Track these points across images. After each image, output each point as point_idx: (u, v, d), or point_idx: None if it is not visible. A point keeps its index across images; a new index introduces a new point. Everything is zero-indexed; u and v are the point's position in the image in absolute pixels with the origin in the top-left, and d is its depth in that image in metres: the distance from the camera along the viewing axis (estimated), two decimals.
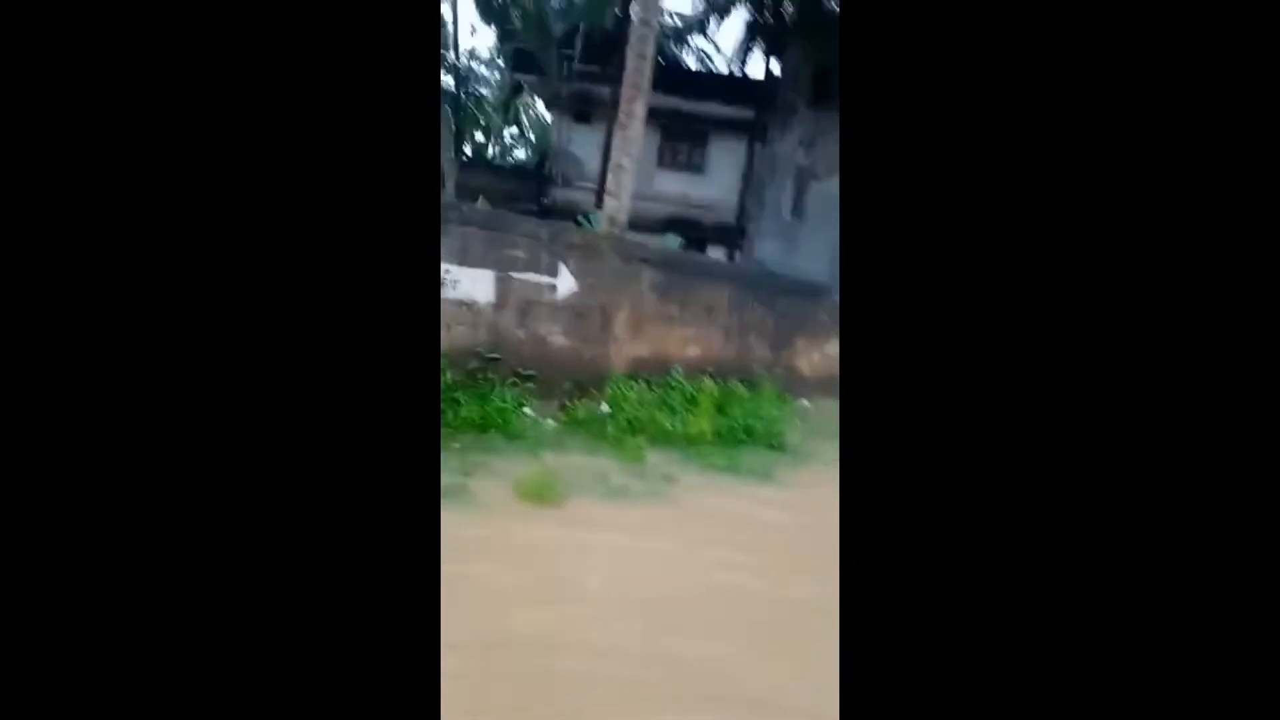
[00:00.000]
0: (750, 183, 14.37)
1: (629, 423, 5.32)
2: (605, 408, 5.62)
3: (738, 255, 14.52)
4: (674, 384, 6.24)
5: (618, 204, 7.36)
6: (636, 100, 7.35)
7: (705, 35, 16.93)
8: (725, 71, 17.12)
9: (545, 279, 5.72)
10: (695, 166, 15.16)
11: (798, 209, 14.41)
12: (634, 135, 7.48)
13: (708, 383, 6.28)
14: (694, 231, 14.36)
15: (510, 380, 5.35)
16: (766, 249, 14.33)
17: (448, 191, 12.68)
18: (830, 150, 14.02)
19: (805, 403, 7.73)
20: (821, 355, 8.73)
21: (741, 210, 13.68)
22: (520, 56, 15.03)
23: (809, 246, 14.27)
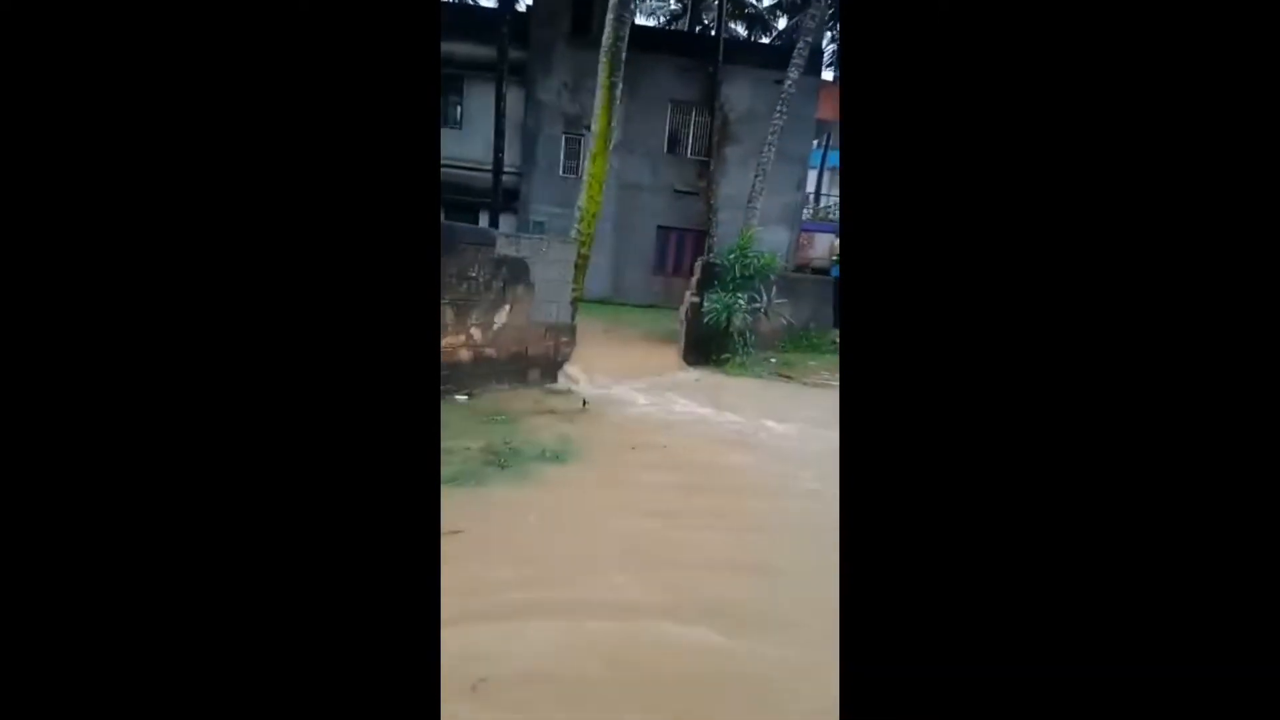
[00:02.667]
0: (512, 136, 12.41)
1: None
2: None
3: (511, 222, 12.65)
4: None
5: None
6: None
7: None
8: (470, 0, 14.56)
9: None
10: (450, 120, 12.83)
11: (571, 163, 12.86)
12: None
13: None
14: (464, 196, 12.20)
15: None
16: (543, 212, 12.69)
17: None
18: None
19: (460, 398, 5.48)
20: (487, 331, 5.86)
21: (498, 169, 11.76)
22: None
23: None
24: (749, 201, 10.71)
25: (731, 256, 8.11)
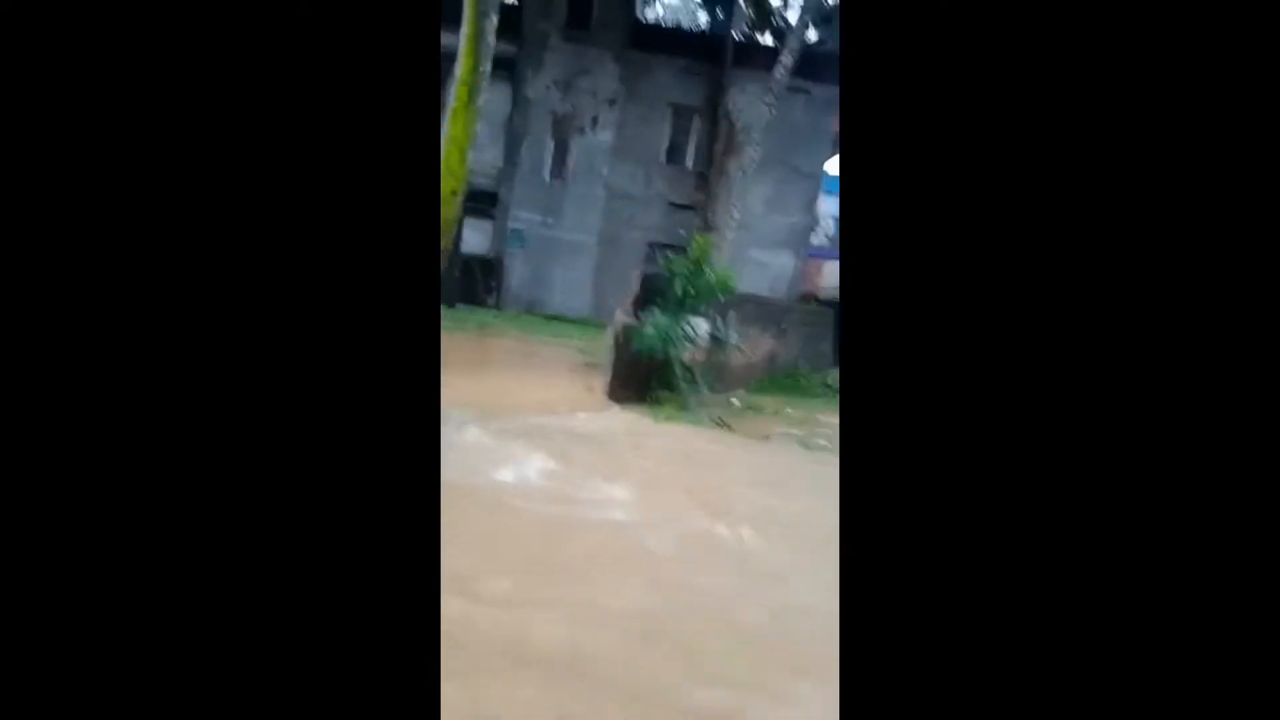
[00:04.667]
0: (495, 135, 11.46)
1: None
2: None
3: (487, 229, 11.66)
4: None
5: None
6: None
7: None
8: None
9: None
10: None
11: (558, 168, 11.84)
12: None
13: None
14: None
15: None
16: (523, 219, 11.67)
17: None
18: (590, 93, 11.57)
19: None
20: None
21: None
22: None
23: (574, 215, 11.87)
24: (717, 208, 9.35)
25: (675, 269, 6.55)
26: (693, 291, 6.40)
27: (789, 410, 7.30)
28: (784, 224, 12.17)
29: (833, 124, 12.23)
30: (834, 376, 10.21)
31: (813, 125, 12.08)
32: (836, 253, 15.03)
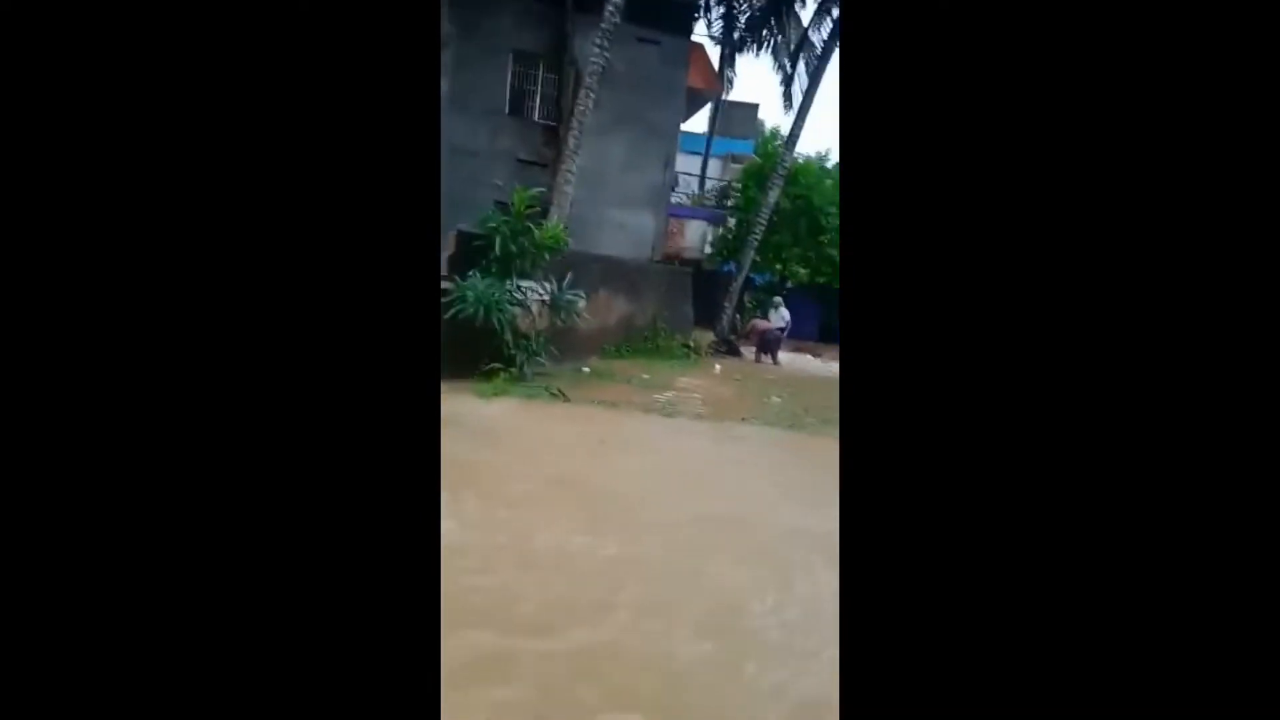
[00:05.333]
0: None
1: None
2: None
3: None
4: None
5: None
6: None
7: None
8: None
9: None
10: None
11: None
12: None
13: None
14: None
15: None
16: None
17: None
18: None
19: None
20: None
21: None
22: None
23: None
24: (558, 163, 8.63)
25: (493, 225, 5.69)
26: (515, 250, 5.68)
27: (644, 375, 6.90)
28: (641, 182, 11.68)
29: (685, 77, 11.82)
30: (694, 337, 10.03)
31: (666, 79, 11.61)
32: (699, 212, 14.86)
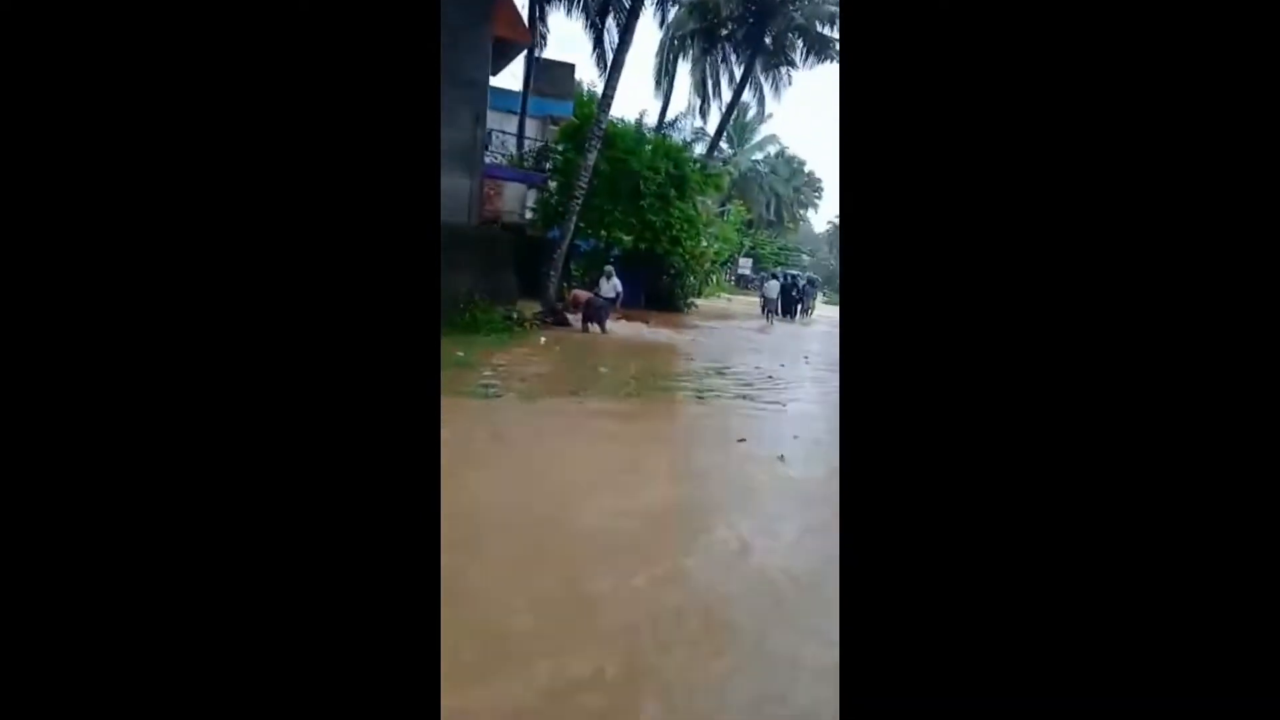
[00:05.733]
0: None
1: None
2: None
3: None
4: None
5: None
6: None
7: None
8: None
9: None
10: None
11: None
12: None
13: None
14: None
15: None
16: None
17: None
18: None
19: None
20: None
21: None
22: None
23: None
24: None
25: None
26: None
27: (459, 353, 6.29)
28: (450, 139, 10.68)
29: (491, 26, 10.92)
30: (518, 309, 9.50)
31: (470, 31, 10.63)
32: (518, 174, 14.11)
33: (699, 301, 15.51)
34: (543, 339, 8.03)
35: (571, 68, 19.71)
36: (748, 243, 29.70)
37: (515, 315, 8.98)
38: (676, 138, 18.35)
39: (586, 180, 10.84)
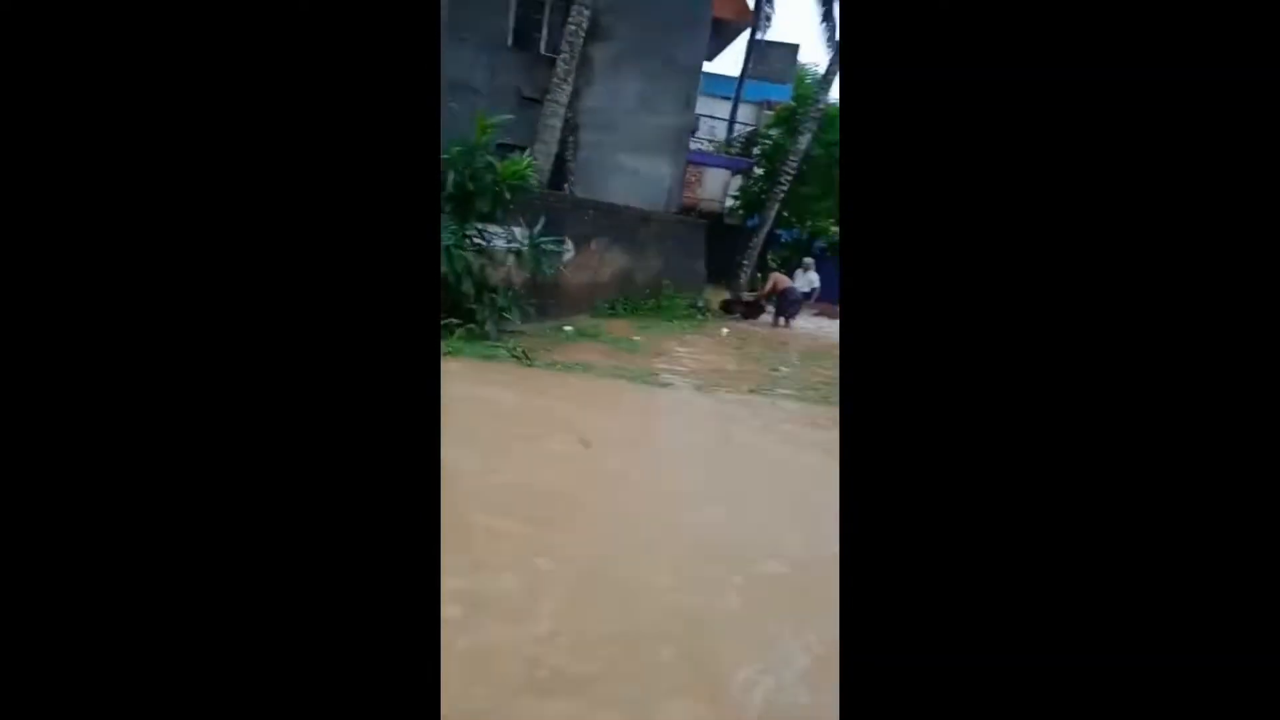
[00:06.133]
0: None
1: None
2: None
3: None
4: None
5: None
6: None
7: None
8: None
9: None
10: None
11: None
12: None
13: None
14: None
15: None
16: None
17: None
18: None
19: None
20: None
21: None
22: None
23: None
24: (547, 95, 7.69)
25: (446, 157, 4.79)
26: (472, 188, 4.84)
27: (635, 338, 6.11)
28: (657, 125, 10.64)
29: (710, 6, 10.60)
30: (706, 296, 9.14)
31: (689, 8, 10.43)
32: (721, 159, 13.71)
33: None
34: (724, 330, 7.57)
35: (795, 49, 18.69)
36: None
37: (701, 303, 8.65)
38: None
39: (795, 166, 10.06)
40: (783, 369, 5.82)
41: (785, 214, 11.05)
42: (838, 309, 10.89)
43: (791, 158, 10.00)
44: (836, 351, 7.65)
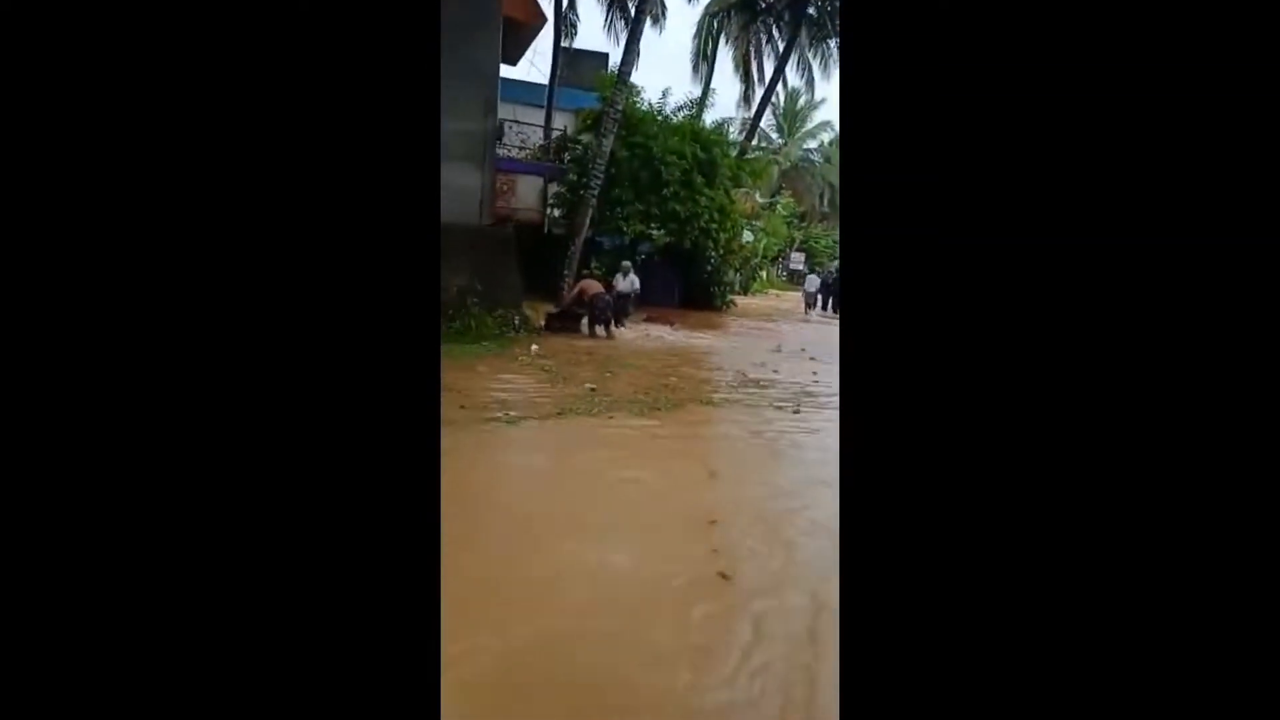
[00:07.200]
0: None
1: None
2: None
3: None
4: None
5: None
6: None
7: None
8: None
9: None
10: None
11: None
12: None
13: None
14: None
15: None
16: None
17: None
18: None
19: None
20: None
21: None
22: None
23: None
24: None
25: None
26: None
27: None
28: (461, 133, 9.95)
29: (499, 9, 10.10)
30: (521, 314, 8.63)
31: (475, 10, 9.86)
32: (532, 166, 13.27)
33: (742, 299, 14.29)
34: (534, 347, 7.08)
35: (605, 57, 18.80)
36: (799, 236, 28.07)
37: (516, 320, 8.10)
38: (727, 127, 17.06)
39: (601, 169, 9.86)
40: (590, 386, 5.45)
41: (601, 219, 10.84)
42: (670, 314, 10.90)
43: (598, 160, 9.80)
44: (659, 358, 7.39)
